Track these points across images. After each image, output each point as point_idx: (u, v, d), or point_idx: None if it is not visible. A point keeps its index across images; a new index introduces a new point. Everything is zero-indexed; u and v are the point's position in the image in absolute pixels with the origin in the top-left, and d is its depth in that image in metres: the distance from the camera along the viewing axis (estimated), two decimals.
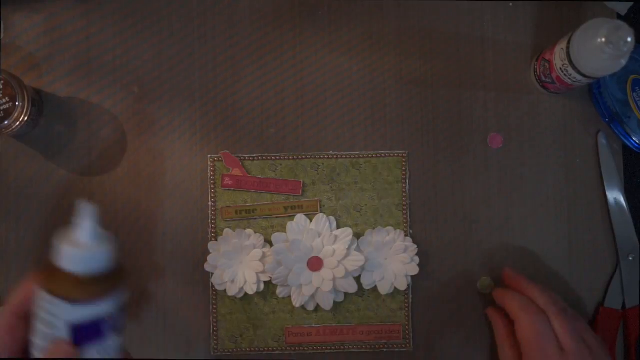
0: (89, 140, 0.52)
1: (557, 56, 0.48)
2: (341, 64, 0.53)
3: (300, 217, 0.51)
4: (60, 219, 0.51)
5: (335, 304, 0.51)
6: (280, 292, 0.51)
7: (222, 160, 0.52)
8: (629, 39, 0.43)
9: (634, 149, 0.52)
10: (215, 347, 0.51)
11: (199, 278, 0.52)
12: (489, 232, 0.53)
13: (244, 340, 0.52)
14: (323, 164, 0.52)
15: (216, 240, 0.51)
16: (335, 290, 0.51)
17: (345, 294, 0.51)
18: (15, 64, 0.52)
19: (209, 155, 0.52)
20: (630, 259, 0.52)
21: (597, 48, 0.43)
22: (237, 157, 0.52)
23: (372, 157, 0.53)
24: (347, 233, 0.51)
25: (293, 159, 0.52)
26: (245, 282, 0.51)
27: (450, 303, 0.52)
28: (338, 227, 0.52)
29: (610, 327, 0.52)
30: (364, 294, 0.52)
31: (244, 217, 0.52)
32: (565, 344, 0.43)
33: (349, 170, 0.52)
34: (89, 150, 0.52)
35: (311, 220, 0.51)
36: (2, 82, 0.47)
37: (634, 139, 0.51)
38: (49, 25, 0.52)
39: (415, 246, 0.51)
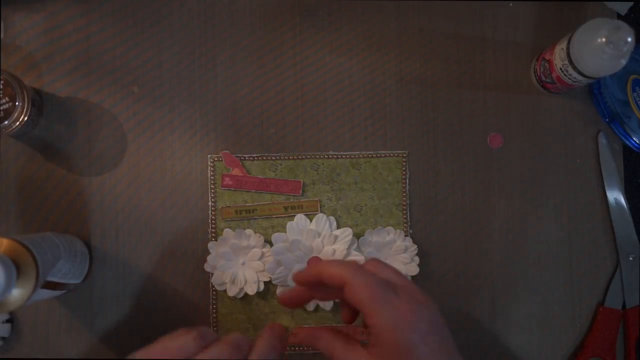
0: (89, 141, 0.52)
1: (557, 56, 0.48)
2: (341, 64, 0.53)
3: (300, 217, 0.51)
4: (60, 219, 0.51)
5: (335, 304, 0.51)
6: (280, 292, 0.51)
7: (222, 160, 0.52)
8: (629, 39, 0.43)
9: (634, 149, 0.52)
10: None
11: (199, 278, 0.52)
12: (489, 232, 0.53)
13: None
14: (323, 164, 0.52)
15: (216, 240, 0.51)
16: None
17: None
18: (15, 64, 0.52)
19: (209, 155, 0.52)
20: (630, 259, 0.52)
21: (597, 48, 0.43)
22: (237, 157, 0.52)
23: (372, 157, 0.53)
24: (347, 233, 0.51)
25: (293, 159, 0.52)
26: (246, 282, 0.51)
27: (451, 303, 0.52)
28: (338, 227, 0.52)
29: (610, 327, 0.52)
30: None
31: (244, 217, 0.52)
32: (395, 281, 0.38)
33: (349, 170, 0.52)
34: (89, 150, 0.52)
35: (311, 220, 0.51)
36: (2, 82, 0.47)
37: (634, 139, 0.51)
38: (48, 24, 0.52)
39: (415, 246, 0.51)
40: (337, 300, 0.51)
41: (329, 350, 0.39)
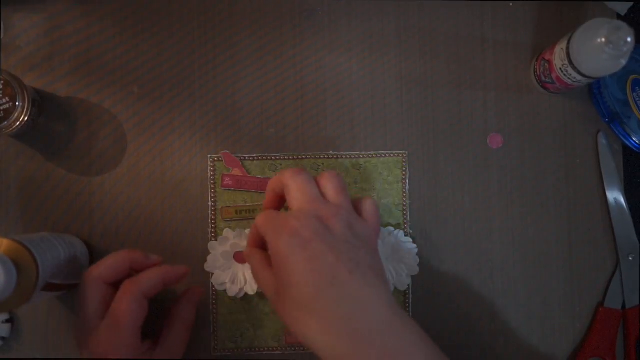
0: (89, 140, 0.52)
1: (557, 56, 0.48)
2: (341, 64, 0.53)
3: None
4: (60, 219, 0.51)
5: None
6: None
7: (222, 160, 0.52)
8: (629, 39, 0.43)
9: (634, 149, 0.52)
10: (215, 347, 0.51)
11: (199, 278, 0.52)
12: (489, 232, 0.53)
13: (244, 340, 0.52)
14: (323, 164, 0.52)
15: (216, 240, 0.52)
16: None
17: None
18: (15, 64, 0.52)
19: (209, 155, 0.52)
20: (630, 259, 0.52)
21: (597, 48, 0.43)
22: (237, 157, 0.52)
23: (372, 157, 0.53)
24: None
25: (293, 159, 0.52)
26: (246, 282, 0.51)
27: (450, 303, 0.52)
28: None
29: (610, 327, 0.52)
30: None
31: (244, 217, 0.52)
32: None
33: (349, 170, 0.52)
34: (89, 150, 0.52)
35: None
36: (2, 82, 0.47)
37: (634, 139, 0.51)
38: (49, 25, 0.52)
39: (415, 246, 0.51)
40: None
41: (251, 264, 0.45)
